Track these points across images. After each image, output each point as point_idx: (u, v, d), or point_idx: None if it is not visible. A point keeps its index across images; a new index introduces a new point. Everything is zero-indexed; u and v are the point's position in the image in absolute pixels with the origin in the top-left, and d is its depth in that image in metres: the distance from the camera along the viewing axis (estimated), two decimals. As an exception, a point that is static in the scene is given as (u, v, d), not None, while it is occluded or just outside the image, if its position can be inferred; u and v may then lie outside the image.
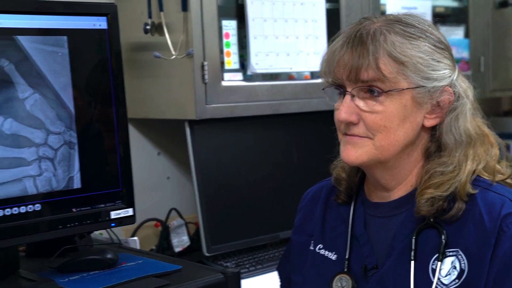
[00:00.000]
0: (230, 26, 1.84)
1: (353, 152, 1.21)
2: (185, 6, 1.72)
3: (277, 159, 2.03)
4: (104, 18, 1.46)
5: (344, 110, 1.19)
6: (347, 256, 1.29)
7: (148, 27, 1.79)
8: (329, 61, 1.24)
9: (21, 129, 1.35)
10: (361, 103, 1.19)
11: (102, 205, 1.46)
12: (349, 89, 1.20)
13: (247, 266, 1.81)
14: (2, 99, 1.33)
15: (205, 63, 1.76)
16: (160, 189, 1.80)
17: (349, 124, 1.20)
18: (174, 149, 2.07)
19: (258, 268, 1.78)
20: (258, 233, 1.94)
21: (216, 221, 1.85)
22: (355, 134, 1.20)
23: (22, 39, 1.35)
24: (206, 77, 1.76)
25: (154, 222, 1.92)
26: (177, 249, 1.89)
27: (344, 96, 1.21)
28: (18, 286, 1.35)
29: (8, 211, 1.34)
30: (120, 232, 1.79)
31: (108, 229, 1.71)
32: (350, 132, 1.21)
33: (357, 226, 1.31)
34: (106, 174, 1.48)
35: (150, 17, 1.80)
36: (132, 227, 1.82)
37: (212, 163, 1.86)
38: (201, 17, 1.74)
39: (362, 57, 1.17)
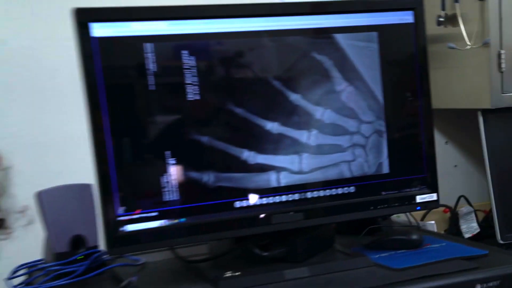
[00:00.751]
0: None
1: None
2: None
3: None
4: (411, 12, 1.47)
5: None
6: None
7: (441, 19, 1.77)
8: None
9: (338, 118, 1.42)
10: None
11: (408, 189, 1.49)
12: None
13: None
14: (322, 92, 1.41)
15: (502, 51, 1.69)
16: (447, 177, 1.76)
17: None
18: (461, 138, 2.02)
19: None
20: None
21: (510, 209, 1.76)
22: None
23: (338, 37, 1.42)
24: (503, 65, 1.69)
25: (442, 208, 1.89)
26: (466, 235, 1.84)
27: None
28: (337, 258, 1.40)
29: (328, 192, 1.43)
30: (404, 217, 1.80)
31: (407, 213, 1.72)
32: None
33: None
34: (412, 160, 1.50)
35: (443, 9, 1.77)
36: (421, 212, 1.81)
37: (506, 152, 1.78)
38: (499, 5, 1.67)
39: None
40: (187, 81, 1.30)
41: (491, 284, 1.28)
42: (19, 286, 1.38)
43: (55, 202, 1.40)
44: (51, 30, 1.61)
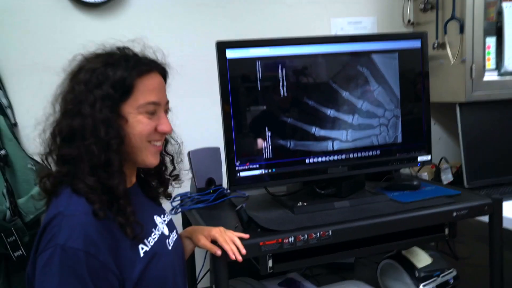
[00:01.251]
0: (491, 41, 1.73)
1: None
2: (462, 29, 1.67)
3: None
4: (419, 40, 1.47)
5: None
6: None
7: (435, 45, 1.76)
8: None
9: (371, 108, 1.43)
10: None
11: (413, 153, 1.49)
12: None
13: (496, 194, 1.65)
14: (362, 91, 1.42)
15: (473, 65, 1.68)
16: (434, 145, 1.71)
17: None
18: (444, 121, 2.01)
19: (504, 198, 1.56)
20: (503, 175, 1.80)
21: (474, 165, 1.76)
22: None
23: (374, 56, 1.42)
24: (473, 74, 1.68)
25: (431, 165, 1.87)
26: (444, 182, 1.85)
27: None
28: (366, 195, 1.43)
29: (363, 154, 1.44)
30: (408, 171, 1.82)
31: (410, 168, 1.76)
32: None
33: None
34: (416, 134, 1.49)
35: (437, 38, 1.77)
36: (417, 167, 1.82)
37: (474, 129, 1.77)
38: (472, 36, 1.67)
39: None
40: (280, 84, 1.33)
41: (462, 212, 1.32)
42: (177, 206, 1.43)
43: (199, 157, 1.45)
44: (195, 52, 1.67)
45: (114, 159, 0.92)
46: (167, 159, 1.13)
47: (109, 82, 0.93)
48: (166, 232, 1.08)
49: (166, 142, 1.12)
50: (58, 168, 0.94)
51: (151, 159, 1.00)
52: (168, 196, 1.17)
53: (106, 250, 0.88)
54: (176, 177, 1.16)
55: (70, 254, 0.84)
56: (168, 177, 1.14)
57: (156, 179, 1.13)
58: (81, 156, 0.91)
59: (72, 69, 0.97)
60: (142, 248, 0.96)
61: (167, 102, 1.05)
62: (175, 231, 1.13)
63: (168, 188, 1.15)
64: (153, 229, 1.03)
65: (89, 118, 0.91)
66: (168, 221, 1.13)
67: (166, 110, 1.05)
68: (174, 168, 1.15)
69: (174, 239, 1.10)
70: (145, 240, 0.98)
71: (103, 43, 1.00)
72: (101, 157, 0.90)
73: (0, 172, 1.35)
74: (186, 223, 1.51)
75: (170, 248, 1.06)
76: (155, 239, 1.01)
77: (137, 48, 1.02)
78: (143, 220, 0.99)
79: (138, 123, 0.95)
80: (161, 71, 1.03)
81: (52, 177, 0.94)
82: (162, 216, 1.12)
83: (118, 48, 1.01)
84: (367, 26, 1.84)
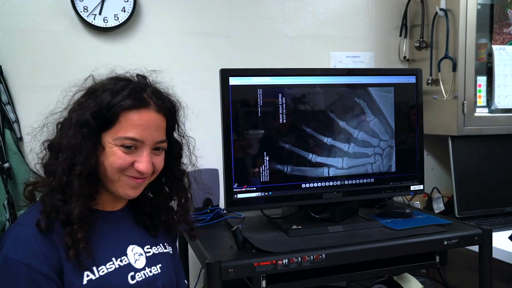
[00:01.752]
0: (482, 80, 1.76)
1: None
2: (454, 68, 1.69)
3: (508, 161, 1.84)
4: (414, 76, 1.49)
5: None
6: None
7: (429, 81, 1.78)
8: None
9: (366, 137, 1.44)
10: None
11: (406, 182, 1.49)
12: None
13: (486, 225, 1.62)
14: (358, 121, 1.43)
15: (465, 102, 1.69)
16: (427, 175, 1.66)
17: None
18: (437, 153, 2.01)
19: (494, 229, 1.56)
20: (492, 207, 1.79)
21: (465, 196, 1.76)
22: None
23: (370, 89, 1.44)
24: (465, 110, 1.70)
25: (423, 194, 1.87)
26: (436, 211, 1.83)
27: None
28: (360, 221, 1.43)
29: (357, 181, 1.43)
30: (400, 198, 1.79)
31: (403, 196, 1.74)
32: None
33: None
34: (409, 164, 1.49)
35: (431, 75, 1.79)
36: (410, 195, 1.80)
37: (465, 161, 1.78)
38: (464, 74, 1.69)
39: None
40: (280, 111, 1.34)
41: (453, 241, 1.32)
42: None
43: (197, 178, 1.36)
44: (199, 78, 1.68)
45: (74, 184, 0.88)
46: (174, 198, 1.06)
47: (93, 110, 0.89)
48: (140, 265, 0.96)
49: (185, 183, 1.06)
50: (43, 178, 0.92)
51: (126, 191, 0.94)
52: (170, 231, 1.05)
53: (48, 264, 0.83)
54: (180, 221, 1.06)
55: (10, 265, 0.82)
56: (167, 217, 1.04)
57: (150, 210, 1.04)
58: (51, 171, 0.90)
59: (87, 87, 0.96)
60: (88, 276, 0.88)
61: (161, 141, 0.96)
62: (159, 266, 0.99)
63: (162, 223, 1.04)
64: (113, 258, 0.93)
65: (64, 139, 0.90)
66: (152, 254, 1.00)
67: (157, 149, 0.96)
68: (182, 216, 1.05)
69: (149, 274, 0.97)
70: (94, 268, 0.89)
71: (129, 70, 0.98)
72: (62, 178, 0.88)
73: (2, 184, 1.36)
74: (182, 241, 1.50)
75: (132, 282, 0.93)
76: (110, 269, 0.91)
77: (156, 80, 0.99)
78: (104, 246, 0.92)
79: (111, 155, 0.91)
80: (160, 110, 0.95)
81: (34, 186, 0.93)
82: (146, 247, 1.00)
83: (137, 76, 0.98)
84: (364, 60, 1.88)
